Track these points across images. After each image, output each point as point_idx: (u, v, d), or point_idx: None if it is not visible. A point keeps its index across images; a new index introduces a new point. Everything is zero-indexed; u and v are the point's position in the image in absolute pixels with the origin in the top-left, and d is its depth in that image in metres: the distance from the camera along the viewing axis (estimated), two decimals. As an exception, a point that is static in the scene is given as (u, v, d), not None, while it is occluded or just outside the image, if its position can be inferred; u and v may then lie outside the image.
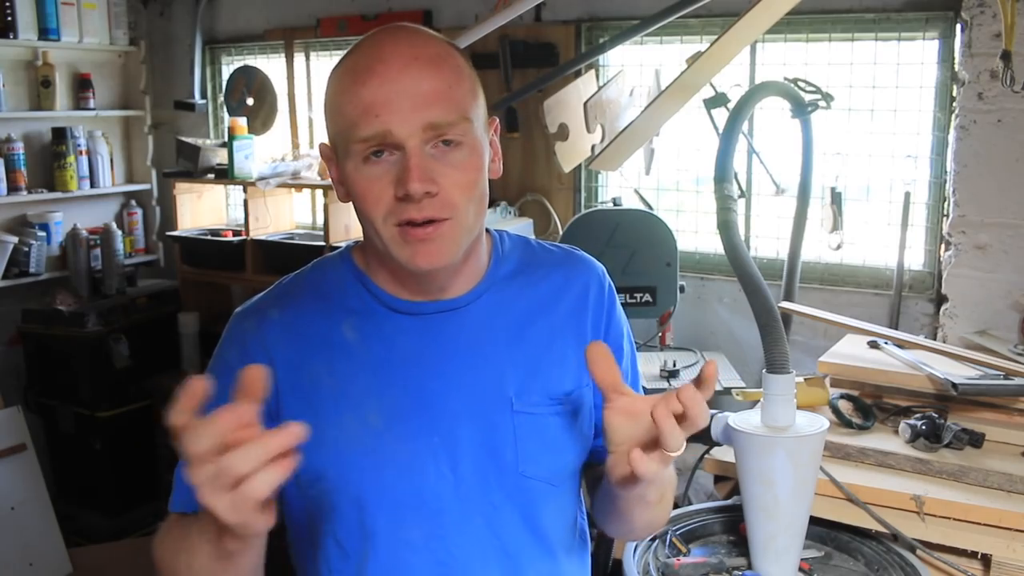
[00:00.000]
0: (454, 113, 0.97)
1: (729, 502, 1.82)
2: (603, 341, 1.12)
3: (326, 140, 1.06)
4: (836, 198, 2.48)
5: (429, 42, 1.00)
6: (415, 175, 0.94)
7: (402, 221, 0.97)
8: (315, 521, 1.05)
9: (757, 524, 1.53)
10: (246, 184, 3.41)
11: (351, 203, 1.03)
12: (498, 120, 1.09)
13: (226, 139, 3.49)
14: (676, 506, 1.98)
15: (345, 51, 1.04)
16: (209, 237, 3.64)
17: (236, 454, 0.73)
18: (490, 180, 1.06)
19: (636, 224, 2.65)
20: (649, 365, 2.61)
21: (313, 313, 1.07)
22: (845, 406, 1.89)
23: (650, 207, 2.89)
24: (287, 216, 3.67)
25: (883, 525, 1.62)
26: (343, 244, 1.22)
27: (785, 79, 2.25)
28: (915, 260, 2.64)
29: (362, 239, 1.11)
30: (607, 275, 1.19)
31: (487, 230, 1.13)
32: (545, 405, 1.08)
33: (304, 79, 3.74)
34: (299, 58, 3.73)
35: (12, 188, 3.54)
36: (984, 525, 1.58)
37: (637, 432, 0.89)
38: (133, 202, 4.11)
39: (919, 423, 1.77)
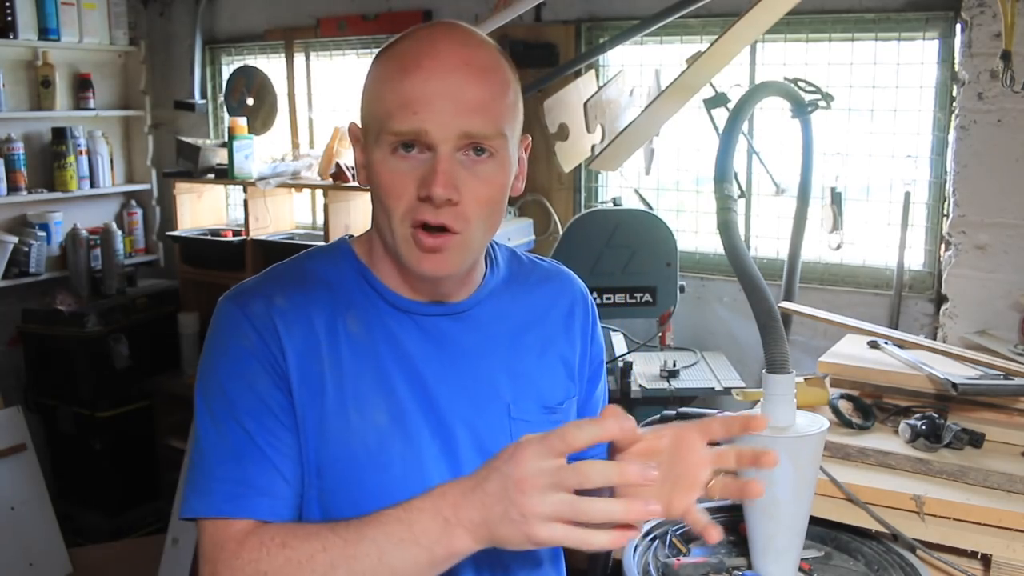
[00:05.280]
0: (492, 127, 0.96)
1: (729, 502, 1.82)
2: (584, 359, 1.17)
3: (357, 121, 1.05)
4: (836, 198, 2.48)
5: (482, 48, 0.99)
6: (441, 180, 0.93)
7: (417, 222, 0.96)
8: (313, 516, 1.04)
9: (757, 524, 1.53)
10: (246, 184, 3.41)
11: (369, 192, 1.02)
12: (530, 138, 1.08)
13: (226, 139, 3.50)
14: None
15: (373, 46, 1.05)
16: (209, 237, 3.64)
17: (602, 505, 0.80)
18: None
19: (636, 224, 2.65)
20: (649, 365, 2.61)
21: (318, 303, 1.03)
22: (845, 406, 1.89)
23: (650, 207, 2.89)
24: (287, 216, 3.67)
25: (883, 525, 1.62)
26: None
27: (785, 79, 2.25)
28: (915, 260, 2.64)
29: (358, 233, 1.11)
30: (588, 292, 1.22)
31: None
32: (539, 414, 1.09)
33: (304, 79, 3.74)
34: (299, 58, 3.73)
35: (12, 188, 3.54)
36: (984, 525, 1.58)
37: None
38: (133, 202, 4.11)
39: (919, 423, 1.77)
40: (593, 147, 2.80)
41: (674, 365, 2.53)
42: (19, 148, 3.56)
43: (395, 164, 0.96)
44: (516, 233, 2.96)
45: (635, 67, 2.98)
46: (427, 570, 0.89)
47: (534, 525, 0.82)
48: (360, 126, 1.04)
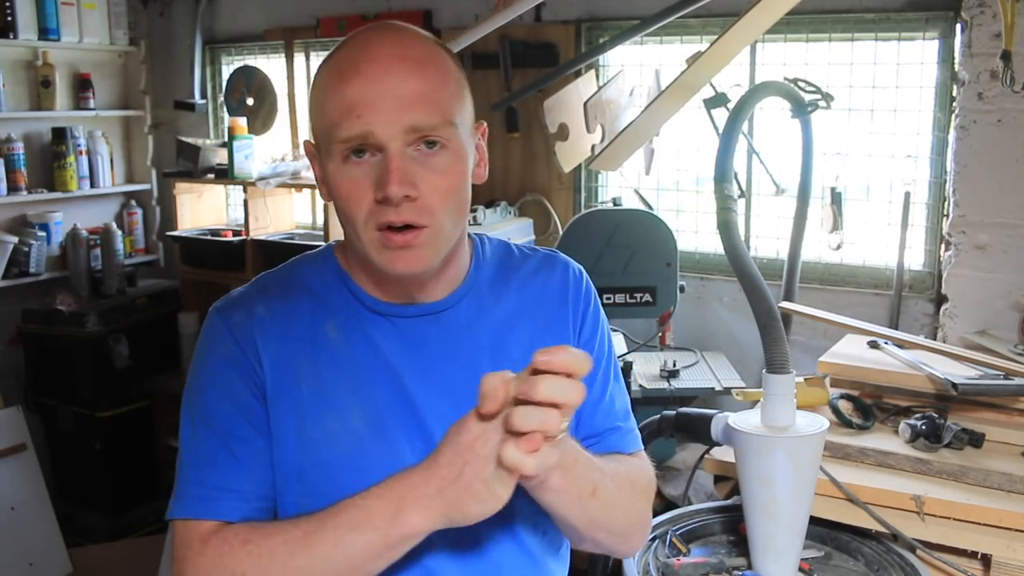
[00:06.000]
0: (438, 117, 0.96)
1: (729, 502, 1.82)
2: (577, 340, 1.13)
3: (311, 138, 1.05)
4: (836, 198, 2.48)
5: (417, 42, 0.99)
6: (395, 178, 0.93)
7: (382, 225, 0.96)
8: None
9: (757, 524, 1.53)
10: (246, 184, 3.41)
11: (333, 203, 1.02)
12: (486, 124, 1.08)
13: (226, 139, 3.50)
14: (675, 506, 1.98)
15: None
16: (209, 237, 3.64)
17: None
18: (485, 182, 1.06)
19: (636, 224, 2.65)
20: (649, 365, 2.61)
21: (297, 311, 1.06)
22: (845, 406, 1.89)
23: (650, 207, 2.89)
24: (287, 216, 3.67)
25: (883, 525, 1.62)
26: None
27: (785, 79, 2.25)
28: (915, 260, 2.64)
29: (343, 238, 1.10)
30: (585, 274, 1.19)
31: (468, 235, 1.13)
32: None
33: (304, 79, 3.74)
34: (299, 58, 3.73)
35: (12, 188, 3.54)
36: (984, 525, 1.58)
37: None
38: (133, 202, 4.11)
39: (919, 423, 1.77)
40: (593, 147, 2.79)
41: (674, 365, 2.53)
42: (19, 148, 3.56)
43: (349, 171, 0.97)
44: (516, 233, 2.97)
45: (635, 67, 2.98)
46: (383, 553, 0.92)
47: (490, 477, 0.86)
48: (313, 142, 1.04)
